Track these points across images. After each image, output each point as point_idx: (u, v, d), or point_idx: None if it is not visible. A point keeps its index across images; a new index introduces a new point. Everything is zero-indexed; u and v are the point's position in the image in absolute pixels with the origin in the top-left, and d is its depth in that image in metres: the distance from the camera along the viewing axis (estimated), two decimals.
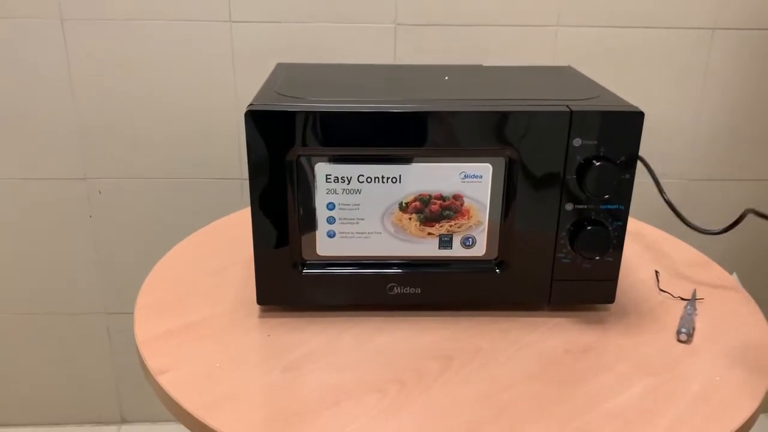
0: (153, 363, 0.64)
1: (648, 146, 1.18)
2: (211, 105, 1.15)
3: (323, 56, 1.13)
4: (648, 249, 0.88)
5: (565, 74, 0.83)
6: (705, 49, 1.17)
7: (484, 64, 0.90)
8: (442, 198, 0.67)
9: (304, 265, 0.69)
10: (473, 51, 1.15)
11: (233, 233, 0.89)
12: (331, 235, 0.68)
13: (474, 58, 1.14)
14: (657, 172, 0.83)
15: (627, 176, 0.66)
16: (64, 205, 1.21)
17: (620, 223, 0.68)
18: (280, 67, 0.83)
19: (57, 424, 1.39)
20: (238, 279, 0.78)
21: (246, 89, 1.14)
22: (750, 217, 0.74)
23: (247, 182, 0.66)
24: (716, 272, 0.83)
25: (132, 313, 0.72)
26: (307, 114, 0.64)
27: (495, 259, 0.70)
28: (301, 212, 0.67)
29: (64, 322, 1.30)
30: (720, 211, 1.27)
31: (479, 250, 0.70)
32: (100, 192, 1.20)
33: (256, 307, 0.72)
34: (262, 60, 1.13)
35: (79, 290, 1.28)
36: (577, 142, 0.65)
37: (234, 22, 1.11)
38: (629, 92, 1.16)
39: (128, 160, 1.18)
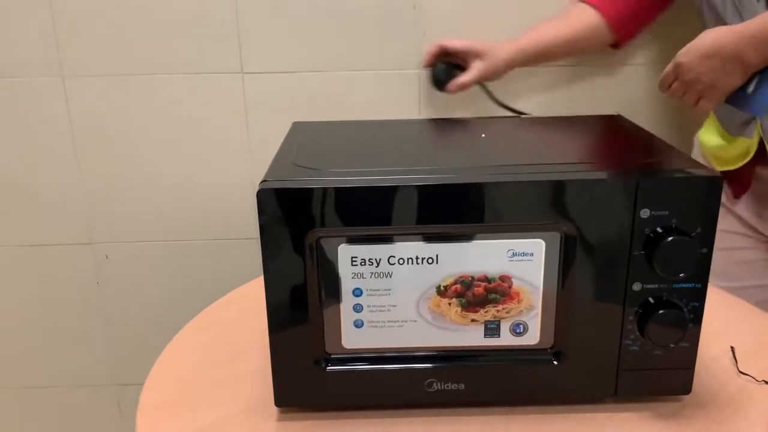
0: None
1: None
2: (224, 161, 1.07)
3: (343, 108, 1.05)
4: (716, 315, 0.77)
5: (618, 126, 0.73)
6: None
7: (523, 115, 0.80)
8: (486, 279, 0.58)
9: (329, 360, 0.60)
10: (508, 97, 1.06)
11: (248, 308, 0.80)
12: (358, 325, 0.59)
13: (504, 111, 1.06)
14: None
15: (705, 250, 0.56)
16: (70, 271, 1.13)
17: (697, 304, 0.58)
18: (297, 128, 0.75)
19: None
20: (254, 370, 0.69)
21: (259, 142, 1.06)
22: None
23: None
24: None
25: (142, 385, 0.63)
26: (328, 190, 0.55)
27: (551, 348, 0.60)
28: (324, 300, 0.58)
29: (73, 396, 1.21)
30: None
31: (532, 338, 0.60)
32: (107, 257, 1.12)
33: (275, 408, 0.62)
34: (277, 112, 1.05)
35: (87, 361, 1.19)
36: (645, 213, 0.55)
37: (246, 73, 1.04)
38: None
39: (135, 223, 1.11)
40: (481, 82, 0.97)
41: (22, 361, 1.19)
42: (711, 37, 0.79)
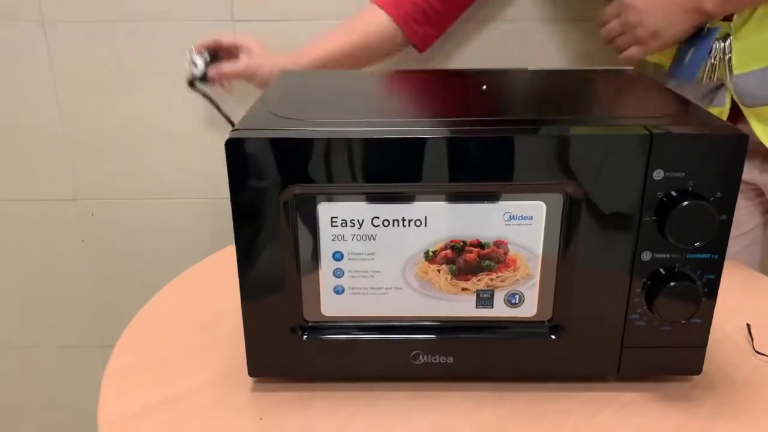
0: None
1: None
2: (210, 116, 1.01)
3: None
4: (732, 290, 0.72)
5: (632, 80, 0.67)
6: None
7: (530, 68, 0.74)
8: (480, 245, 0.52)
9: (306, 328, 0.55)
10: (518, 50, 0.99)
11: (230, 270, 0.75)
12: (339, 291, 0.54)
13: (518, 61, 0.99)
14: None
15: (724, 217, 0.50)
16: (55, 228, 1.09)
17: (713, 277, 0.53)
18: (282, 77, 0.69)
19: None
20: (230, 335, 0.64)
21: (249, 94, 1.00)
22: None
23: None
24: None
25: None
26: (308, 141, 0.49)
27: (549, 321, 0.55)
28: (301, 264, 0.53)
29: (58, 356, 1.18)
30: None
31: (529, 309, 0.55)
32: (92, 214, 1.08)
33: (249, 378, 0.58)
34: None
35: (71, 322, 1.15)
36: (658, 174, 0.50)
37: (236, 21, 0.97)
38: None
39: (121, 179, 1.05)
40: (243, 76, 0.88)
41: (5, 320, 1.15)
42: None
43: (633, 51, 0.77)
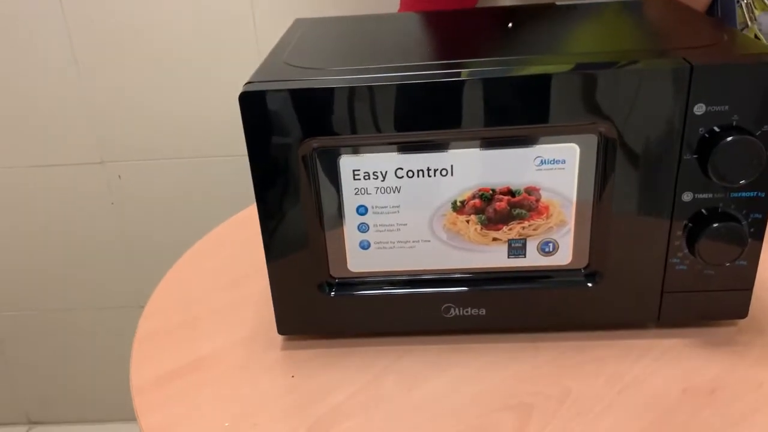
0: (148, 422, 0.50)
1: None
2: (232, 71, 0.99)
3: (361, 4, 0.95)
4: None
5: (670, 9, 0.63)
6: None
7: (558, 2, 0.70)
8: (510, 192, 0.50)
9: (333, 285, 0.54)
10: None
11: (254, 231, 0.74)
12: (364, 246, 0.53)
13: None
14: None
15: None
16: (84, 192, 1.09)
17: (759, 216, 0.50)
18: (297, 25, 0.66)
19: (89, 421, 1.31)
20: (259, 295, 0.63)
21: (270, 47, 0.98)
22: None
23: None
24: None
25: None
26: (326, 91, 0.47)
27: (585, 269, 0.53)
28: (325, 220, 0.52)
29: (95, 317, 1.20)
30: None
31: (563, 257, 0.52)
32: (119, 177, 1.08)
33: (278, 337, 0.57)
34: (286, 14, 0.95)
35: (107, 284, 1.17)
36: (699, 108, 0.46)
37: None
38: None
39: (146, 140, 1.05)
40: None
41: (42, 284, 1.17)
42: None
43: None
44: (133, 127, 1.04)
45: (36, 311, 1.20)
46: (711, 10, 0.73)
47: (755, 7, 0.70)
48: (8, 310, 1.20)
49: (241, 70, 0.98)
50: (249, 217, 0.80)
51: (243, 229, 0.77)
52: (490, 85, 0.46)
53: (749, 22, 0.71)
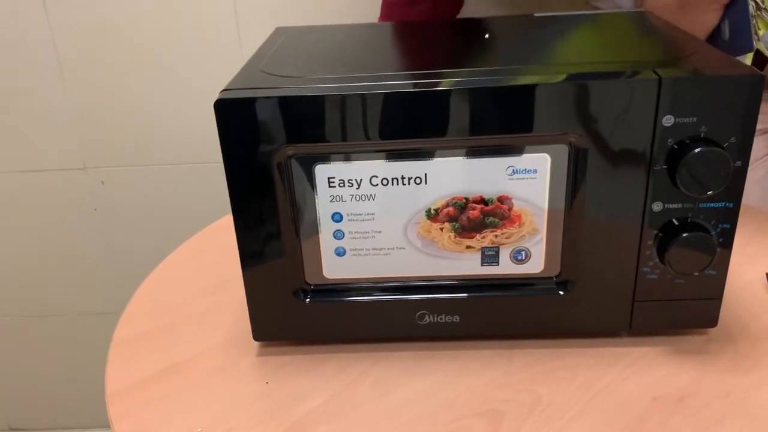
0: (121, 427, 0.50)
1: None
2: (215, 79, 0.99)
3: (340, 12, 0.96)
4: (752, 238, 0.69)
5: (643, 22, 0.64)
6: None
7: (536, 14, 0.71)
8: (483, 201, 0.51)
9: (309, 292, 0.54)
10: None
11: (233, 238, 0.75)
12: (340, 253, 0.53)
13: (524, 4, 0.95)
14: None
15: (739, 163, 0.48)
16: (67, 198, 1.09)
17: (728, 226, 0.50)
18: (278, 33, 0.67)
19: (66, 428, 1.30)
20: (237, 300, 0.64)
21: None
22: None
23: None
24: None
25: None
26: (301, 99, 0.47)
27: (557, 277, 0.53)
28: (300, 227, 0.52)
29: (77, 323, 1.20)
30: None
31: (535, 265, 0.53)
32: (102, 182, 1.07)
33: (255, 342, 0.57)
34: (269, 21, 0.96)
35: (89, 290, 1.17)
36: (668, 120, 0.47)
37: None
38: None
39: (129, 146, 1.05)
40: None
41: (25, 289, 1.17)
42: None
43: None
44: (117, 133, 1.04)
45: (15, 316, 1.19)
46: (717, 31, 0.73)
47: (759, 27, 0.71)
48: None
49: (224, 78, 0.99)
50: (229, 223, 0.79)
51: (223, 235, 0.77)
52: (462, 95, 0.47)
53: (754, 42, 0.72)
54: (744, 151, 0.48)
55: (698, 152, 0.47)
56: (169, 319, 0.62)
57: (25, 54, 1.00)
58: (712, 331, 0.56)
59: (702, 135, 0.47)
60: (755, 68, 0.47)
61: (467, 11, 0.96)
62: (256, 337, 0.56)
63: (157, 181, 1.08)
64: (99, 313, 1.19)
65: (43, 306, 1.19)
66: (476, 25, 0.67)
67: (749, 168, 0.82)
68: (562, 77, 0.47)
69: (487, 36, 0.60)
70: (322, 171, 0.50)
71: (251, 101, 0.48)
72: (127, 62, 1.00)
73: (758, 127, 0.81)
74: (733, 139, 0.47)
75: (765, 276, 0.63)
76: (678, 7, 0.70)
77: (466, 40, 0.63)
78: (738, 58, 0.74)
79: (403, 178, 0.50)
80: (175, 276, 0.70)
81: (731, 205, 0.50)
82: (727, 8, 0.70)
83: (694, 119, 0.47)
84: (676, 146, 0.48)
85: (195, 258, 0.73)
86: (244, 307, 0.61)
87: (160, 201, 1.09)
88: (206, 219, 0.84)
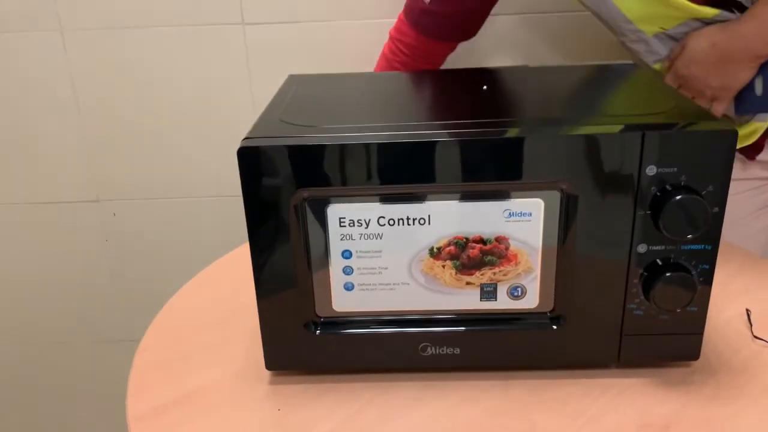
0: None
1: None
2: (226, 115, 1.05)
3: (348, 58, 1.01)
4: (735, 277, 0.74)
5: (632, 75, 0.69)
6: None
7: (531, 64, 0.76)
8: (482, 241, 0.55)
9: (318, 324, 0.58)
10: (522, 44, 1.01)
11: (245, 271, 0.78)
12: (348, 288, 0.57)
13: (522, 55, 1.01)
14: None
15: (716, 210, 0.52)
16: (79, 229, 1.13)
17: (707, 267, 0.55)
18: (291, 81, 0.72)
19: None
20: (248, 332, 0.67)
21: (263, 96, 1.03)
22: None
23: None
24: None
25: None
26: (316, 148, 0.52)
27: (551, 312, 0.57)
28: (312, 263, 0.56)
29: (88, 351, 1.23)
30: None
31: (531, 301, 0.57)
32: (114, 214, 1.12)
33: (266, 373, 0.61)
34: (279, 64, 1.01)
35: (100, 318, 1.20)
36: (651, 170, 0.52)
37: (247, 24, 1.00)
38: None
39: (141, 180, 1.09)
40: None
41: (37, 318, 1.20)
42: (707, 42, 0.74)
43: (716, 107, 0.78)
44: (130, 167, 1.09)
45: (27, 345, 1.23)
46: (750, 86, 0.76)
47: None
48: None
49: (233, 118, 1.04)
50: (237, 257, 0.84)
51: (231, 269, 0.81)
52: (464, 145, 0.51)
53: None
54: (721, 198, 0.52)
55: (679, 199, 0.51)
56: (184, 348, 0.66)
57: (45, 92, 1.05)
58: (695, 363, 0.60)
59: (682, 183, 0.52)
60: (731, 122, 0.52)
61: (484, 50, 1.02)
62: (268, 367, 0.59)
63: (166, 214, 1.12)
64: (107, 341, 1.22)
65: (55, 334, 1.22)
66: (475, 76, 0.72)
67: (754, 215, 0.86)
68: (552, 131, 0.52)
69: (485, 87, 0.65)
70: (333, 211, 0.54)
71: (271, 149, 0.52)
72: (140, 102, 1.05)
73: (764, 175, 0.86)
74: (710, 188, 0.52)
75: (745, 312, 0.67)
76: (717, 61, 0.75)
77: (466, 91, 0.68)
78: (756, 121, 0.79)
79: (408, 218, 0.54)
80: (187, 308, 0.73)
81: (710, 247, 0.54)
82: (763, 65, 0.75)
83: (675, 169, 0.52)
84: (659, 193, 0.52)
85: (204, 291, 0.77)
86: (255, 338, 0.65)
87: (168, 232, 1.13)
88: (212, 250, 0.88)
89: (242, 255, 0.84)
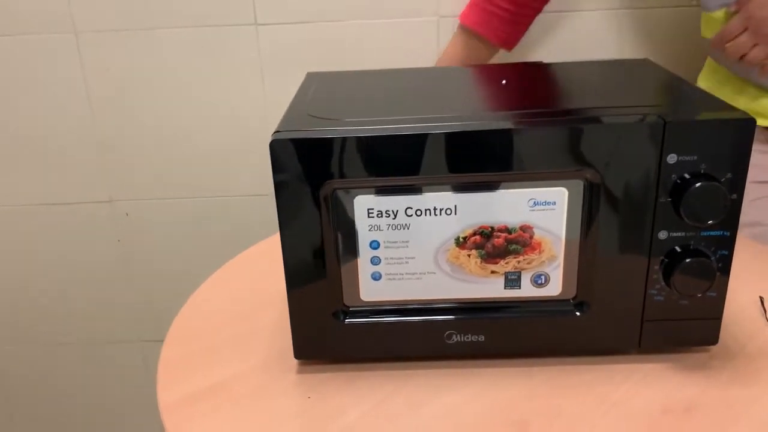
0: None
1: None
2: (239, 116, 1.06)
3: (361, 58, 1.03)
4: (750, 263, 0.75)
5: (646, 70, 0.70)
6: None
7: (545, 60, 0.77)
8: (507, 230, 0.56)
9: (347, 313, 0.59)
10: (534, 43, 1.03)
11: (267, 263, 0.79)
12: (376, 277, 0.58)
13: (535, 52, 1.02)
14: None
15: (735, 196, 0.54)
16: (92, 229, 1.14)
17: (725, 252, 0.56)
18: (311, 79, 0.73)
19: None
20: (273, 324, 0.68)
21: (275, 97, 1.05)
22: None
23: None
24: None
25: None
26: (345, 140, 0.53)
27: (573, 299, 0.59)
28: (341, 253, 0.57)
29: (100, 351, 1.23)
30: None
31: (554, 289, 0.58)
32: (127, 214, 1.12)
33: (294, 362, 0.62)
34: (293, 65, 1.03)
35: (112, 318, 1.21)
36: (672, 158, 0.53)
37: (260, 24, 1.01)
38: None
39: (154, 180, 1.10)
40: None
41: (49, 318, 1.21)
42: None
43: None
44: (142, 168, 1.10)
45: (40, 344, 1.23)
46: None
47: None
48: (11, 344, 1.23)
49: (245, 117, 1.05)
50: (254, 254, 0.85)
51: (249, 266, 0.82)
52: (489, 136, 0.53)
53: None
54: (738, 186, 0.54)
55: (699, 186, 0.53)
56: (209, 341, 0.67)
57: (59, 94, 1.06)
58: (713, 348, 0.62)
59: (702, 171, 0.53)
60: (747, 113, 0.53)
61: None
62: (297, 356, 0.61)
63: (177, 214, 1.13)
64: (121, 341, 1.23)
65: (69, 334, 1.22)
66: (494, 72, 0.73)
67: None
68: (576, 122, 0.53)
69: (504, 81, 0.67)
70: (361, 202, 0.56)
71: (301, 142, 0.53)
72: (153, 103, 1.06)
73: None
74: (729, 175, 0.53)
75: (759, 300, 0.69)
76: None
77: (486, 85, 0.70)
78: None
79: (435, 209, 0.56)
80: (211, 303, 0.74)
81: (728, 233, 0.55)
82: None
83: (695, 157, 0.53)
84: (679, 181, 0.54)
85: (226, 287, 0.78)
86: (278, 330, 0.66)
87: (179, 232, 1.14)
88: (222, 250, 0.89)
89: (258, 253, 0.85)
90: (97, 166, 1.10)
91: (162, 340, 0.67)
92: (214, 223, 1.13)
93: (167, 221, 1.13)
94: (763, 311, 0.67)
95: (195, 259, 1.15)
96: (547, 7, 0.98)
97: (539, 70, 0.73)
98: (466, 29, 0.96)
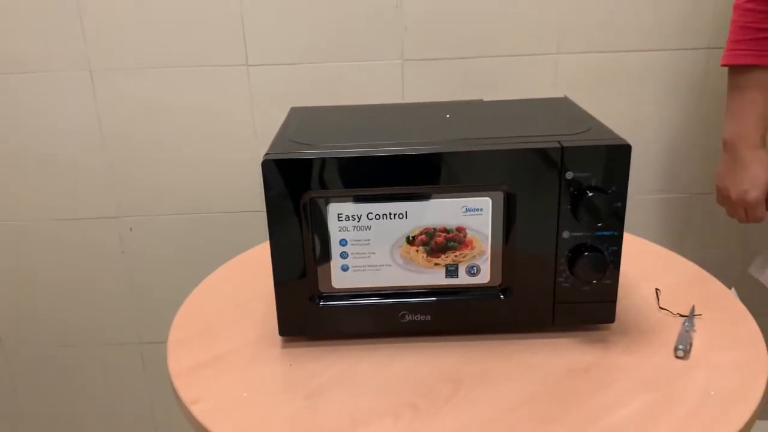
0: (186, 394, 0.69)
1: (652, 163, 1.22)
2: (234, 143, 1.22)
3: (337, 94, 1.19)
4: (650, 266, 0.92)
5: (561, 106, 0.87)
6: (701, 68, 1.21)
7: (485, 99, 0.95)
8: (446, 231, 0.72)
9: (321, 297, 0.75)
10: (477, 83, 1.20)
11: (255, 268, 0.95)
12: (344, 268, 0.74)
13: (478, 90, 1.20)
14: (659, 188, 0.87)
15: (619, 204, 0.70)
16: (99, 242, 1.28)
17: (615, 248, 0.73)
18: (294, 112, 0.89)
19: None
20: (261, 311, 0.83)
21: (264, 127, 1.21)
22: (749, 231, 0.77)
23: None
24: (716, 288, 0.86)
25: (164, 343, 0.78)
26: (320, 161, 0.69)
27: (499, 286, 0.75)
28: (317, 249, 0.73)
29: (101, 353, 1.37)
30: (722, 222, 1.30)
31: (484, 277, 0.74)
32: (131, 229, 1.27)
33: (279, 339, 0.77)
34: (279, 99, 1.19)
35: (113, 322, 1.35)
36: (569, 174, 0.70)
37: (250, 65, 1.18)
38: (627, 114, 1.20)
39: (156, 199, 1.25)
40: None
41: (56, 323, 1.34)
42: None
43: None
44: (146, 188, 1.25)
45: (48, 347, 1.37)
46: None
47: None
48: (19, 352, 1.36)
49: (238, 144, 1.21)
50: (244, 260, 1.00)
51: (241, 269, 0.97)
52: (432, 158, 0.69)
53: None
54: (621, 196, 0.70)
55: (590, 196, 0.69)
56: (210, 325, 0.82)
57: (72, 122, 1.21)
58: (612, 326, 0.78)
59: (593, 185, 0.70)
60: (624, 140, 0.70)
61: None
62: (281, 333, 0.76)
63: (176, 229, 1.28)
64: (123, 343, 1.36)
65: (72, 339, 1.36)
66: (442, 108, 0.90)
67: None
68: (497, 147, 0.69)
69: (448, 116, 0.83)
70: (333, 209, 0.71)
71: (286, 162, 0.69)
72: (157, 131, 1.22)
73: None
74: (613, 188, 0.70)
75: (655, 291, 0.85)
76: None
77: (433, 118, 0.86)
78: None
79: (390, 213, 0.72)
80: (209, 297, 0.89)
81: (616, 233, 0.72)
82: None
83: (587, 174, 0.70)
84: (576, 192, 0.70)
85: (222, 285, 0.93)
86: (266, 317, 0.81)
87: (178, 245, 1.29)
88: (216, 260, 1.03)
89: (248, 258, 1.00)
90: (105, 185, 1.25)
91: (161, 342, 0.81)
92: (207, 237, 1.28)
93: (167, 235, 1.28)
94: (657, 299, 0.83)
95: (190, 269, 1.30)
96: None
97: (476, 107, 0.90)
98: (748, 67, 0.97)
